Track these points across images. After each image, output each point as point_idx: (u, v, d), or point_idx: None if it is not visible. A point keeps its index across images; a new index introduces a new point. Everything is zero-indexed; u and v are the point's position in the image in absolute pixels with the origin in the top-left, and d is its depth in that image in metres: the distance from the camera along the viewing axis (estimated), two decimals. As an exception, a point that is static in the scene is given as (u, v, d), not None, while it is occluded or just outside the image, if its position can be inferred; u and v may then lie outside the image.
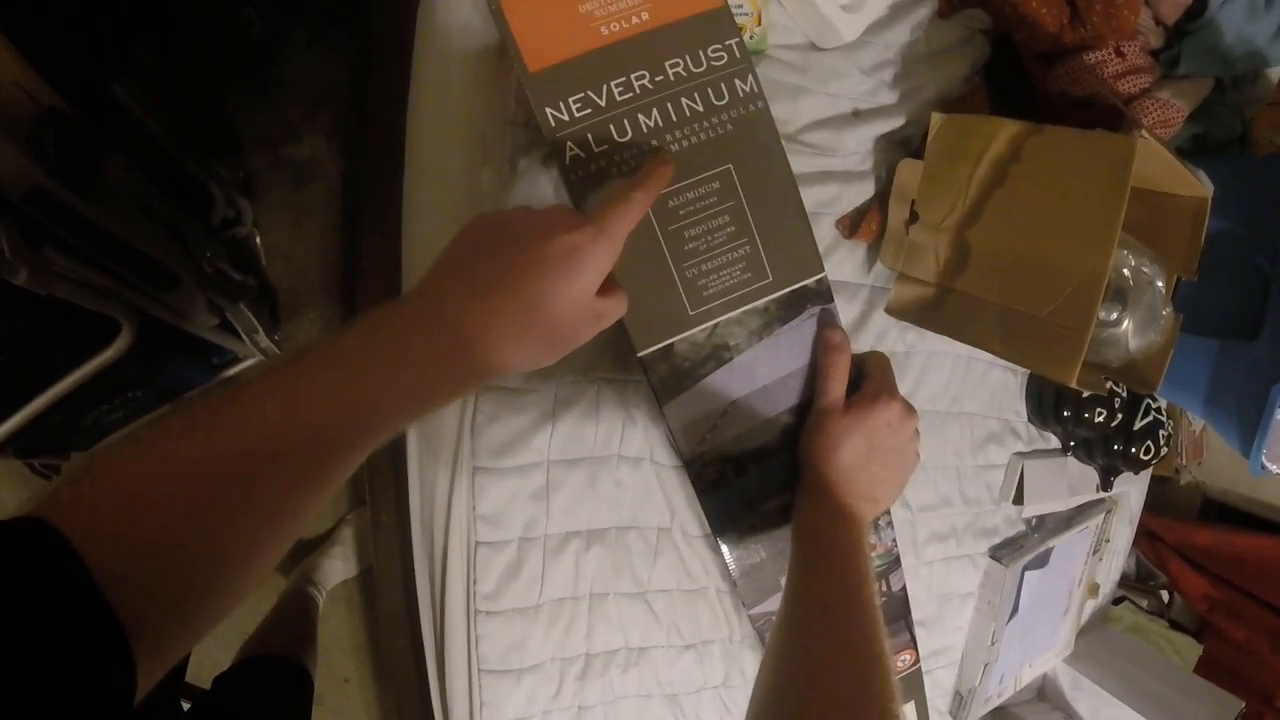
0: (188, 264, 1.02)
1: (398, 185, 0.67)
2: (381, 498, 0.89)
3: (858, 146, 0.72)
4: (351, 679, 1.42)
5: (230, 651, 1.01)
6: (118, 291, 0.93)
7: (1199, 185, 0.70)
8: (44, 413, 0.98)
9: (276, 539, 0.37)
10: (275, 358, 0.36)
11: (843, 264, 0.74)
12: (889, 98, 0.73)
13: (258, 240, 1.26)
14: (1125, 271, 0.70)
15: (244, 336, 1.16)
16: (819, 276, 0.57)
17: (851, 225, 0.73)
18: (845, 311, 0.76)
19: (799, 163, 0.68)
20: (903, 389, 0.79)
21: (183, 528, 0.32)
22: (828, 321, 0.58)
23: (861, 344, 0.77)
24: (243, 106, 1.24)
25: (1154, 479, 1.17)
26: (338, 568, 1.29)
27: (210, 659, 0.97)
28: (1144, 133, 0.58)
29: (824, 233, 0.72)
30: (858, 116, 0.72)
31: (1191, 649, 1.36)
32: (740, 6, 0.62)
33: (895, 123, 0.73)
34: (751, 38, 0.64)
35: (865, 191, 0.74)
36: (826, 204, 0.72)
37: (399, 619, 0.87)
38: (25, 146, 0.74)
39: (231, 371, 1.27)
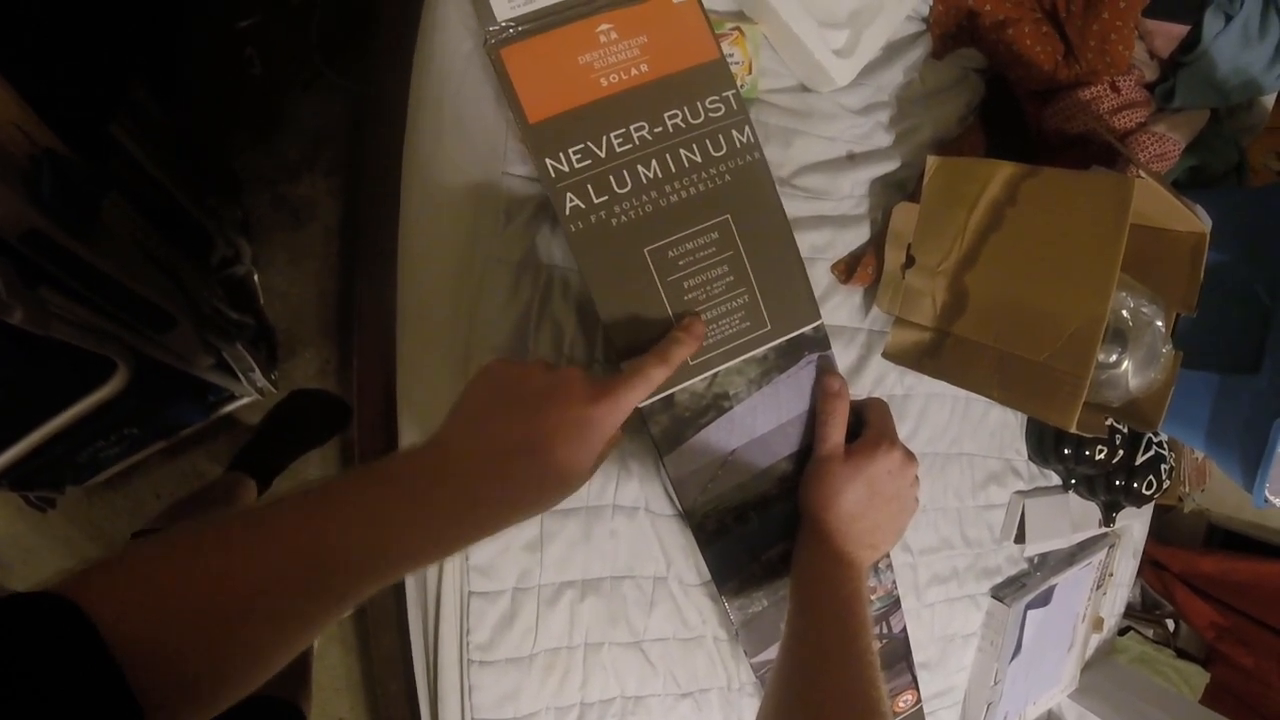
0: (185, 304, 1.02)
1: (394, 230, 0.67)
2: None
3: (852, 190, 0.72)
4: (346, 718, 1.39)
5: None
6: (114, 331, 0.93)
7: (1197, 221, 0.70)
8: (39, 448, 0.97)
9: (290, 647, 0.38)
10: (307, 487, 0.38)
11: (839, 309, 0.74)
12: (884, 140, 0.73)
13: (256, 280, 1.26)
14: (1124, 313, 0.69)
15: (240, 376, 1.16)
16: (816, 324, 0.57)
17: (847, 270, 0.73)
18: (843, 356, 0.75)
19: (793, 207, 0.68)
20: (902, 432, 0.79)
21: (207, 633, 0.35)
22: (826, 368, 0.58)
23: (860, 387, 0.77)
24: (242, 147, 1.24)
25: (1157, 508, 1.16)
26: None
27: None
28: (1140, 172, 0.58)
29: (819, 277, 0.72)
30: (852, 160, 0.72)
31: (1199, 677, 1.34)
32: (731, 55, 0.62)
33: (890, 165, 0.73)
34: (743, 85, 0.64)
35: (861, 235, 0.74)
36: (821, 249, 0.72)
37: (393, 662, 0.86)
38: (21, 187, 0.74)
39: (227, 409, 1.27)
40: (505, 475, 0.43)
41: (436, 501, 0.41)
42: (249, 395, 1.20)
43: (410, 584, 0.67)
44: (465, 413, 0.45)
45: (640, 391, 0.47)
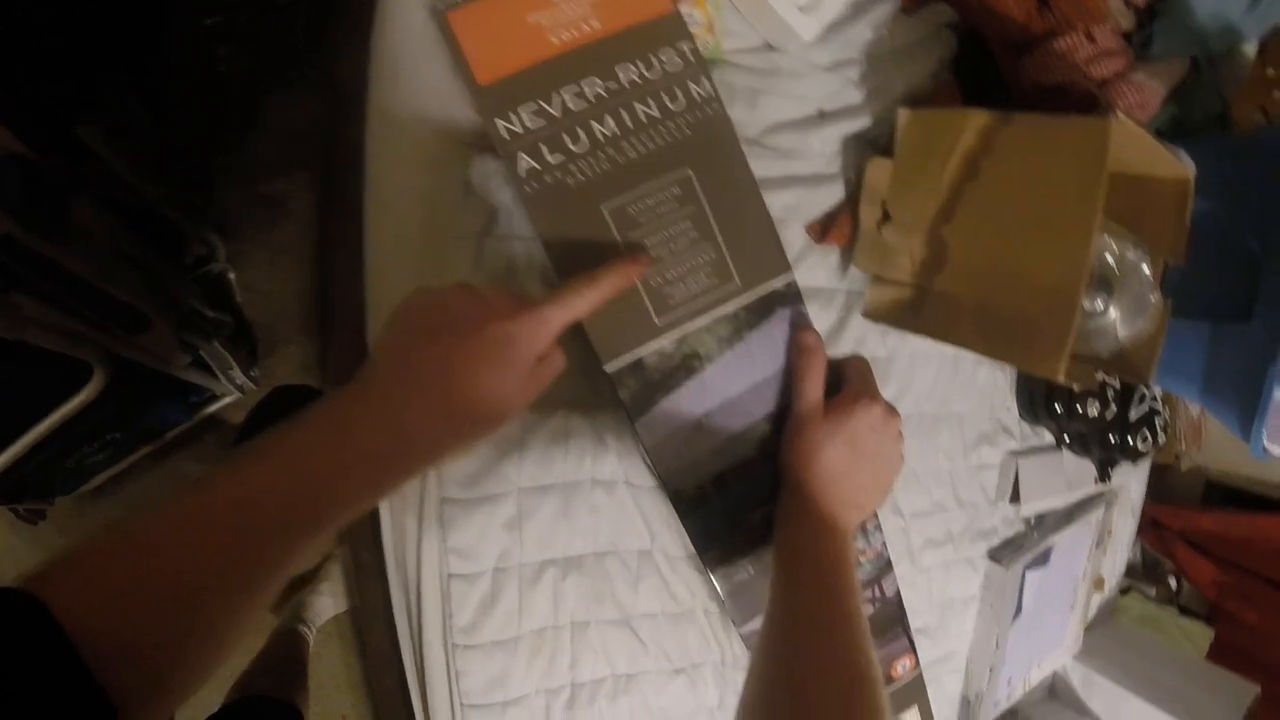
0: (159, 304, 1.00)
1: (361, 217, 0.65)
2: (360, 534, 0.86)
3: (824, 148, 0.70)
4: (349, 716, 1.38)
5: (221, 692, 0.98)
6: (88, 334, 0.92)
7: (1180, 165, 0.68)
8: (22, 458, 0.96)
9: (241, 615, 0.38)
10: (237, 451, 0.38)
11: (815, 270, 0.72)
12: (855, 97, 0.72)
13: (232, 277, 1.24)
14: (1108, 258, 0.68)
15: (220, 374, 1.14)
16: (787, 278, 0.55)
17: (822, 229, 0.71)
18: (822, 318, 0.73)
19: (763, 167, 0.66)
20: (887, 393, 0.77)
21: (155, 616, 0.34)
22: (800, 323, 0.56)
23: (840, 350, 0.75)
24: (214, 144, 1.23)
25: (1154, 467, 1.15)
26: (327, 604, 1.27)
27: (200, 700, 0.95)
28: (1119, 114, 0.57)
29: (794, 238, 0.70)
30: (823, 117, 0.70)
31: (1203, 634, 1.33)
32: (692, 16, 0.61)
33: (862, 122, 0.72)
34: (705, 46, 0.63)
35: (834, 194, 0.72)
36: (794, 209, 0.70)
37: (385, 656, 0.85)
38: (-12, 193, 0.73)
39: (211, 409, 1.25)
40: (430, 404, 0.41)
41: (361, 440, 0.40)
42: (231, 394, 1.19)
43: (392, 571, 0.66)
44: (386, 345, 0.44)
45: (567, 310, 0.45)
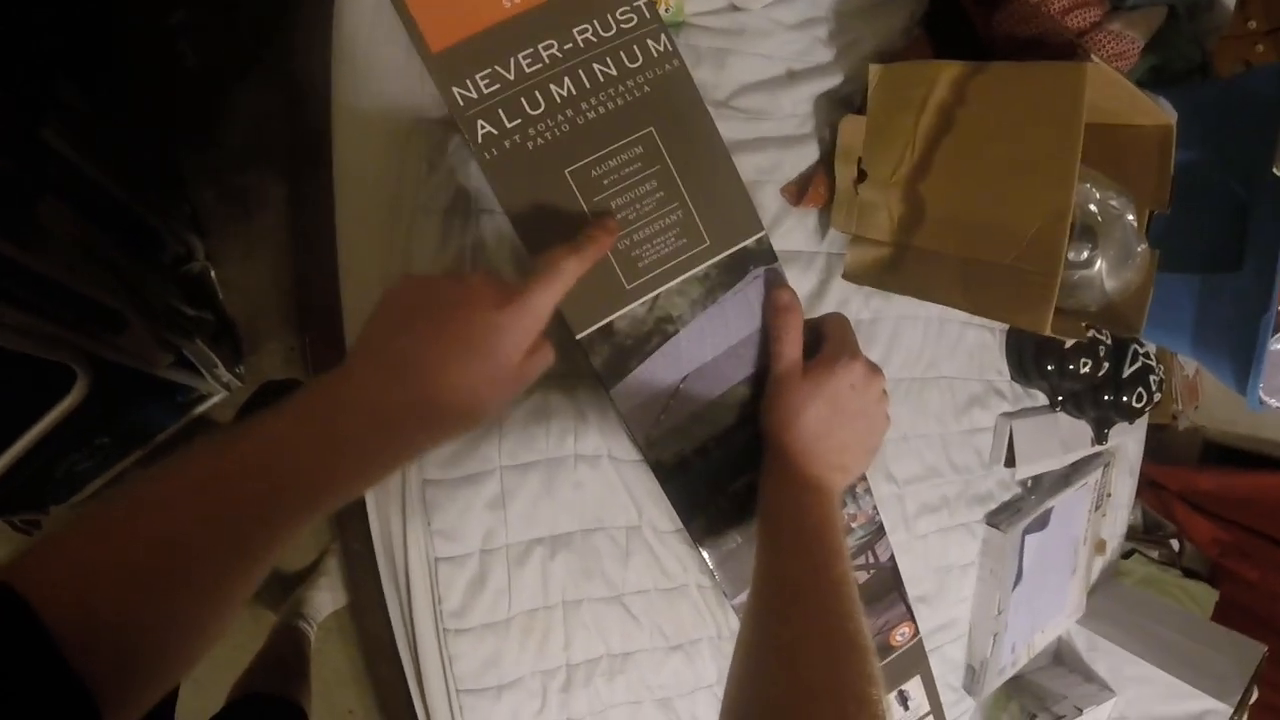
0: (136, 304, 0.99)
1: (331, 203, 0.64)
2: (350, 526, 0.86)
3: (795, 109, 0.69)
4: (355, 710, 1.38)
5: (223, 691, 0.98)
6: (65, 337, 0.91)
7: (1161, 113, 0.67)
8: (10, 469, 0.95)
9: (221, 605, 0.37)
10: (212, 436, 0.37)
11: (792, 233, 0.71)
12: (824, 55, 0.70)
13: (212, 275, 1.23)
14: (1091, 207, 0.66)
15: (205, 373, 1.13)
16: (759, 235, 0.54)
17: (798, 191, 0.70)
18: (801, 282, 0.72)
19: (732, 129, 0.65)
20: (874, 357, 0.75)
21: (131, 598, 0.33)
22: (774, 282, 0.55)
23: (823, 314, 0.74)
24: (184, 142, 1.21)
25: (1152, 427, 1.14)
26: (326, 599, 1.26)
27: (203, 699, 0.94)
28: (1094, 58, 0.55)
29: (768, 201, 0.69)
30: (792, 77, 0.69)
31: (1208, 595, 1.33)
32: (653, -23, 0.59)
33: (833, 81, 0.70)
34: (667, 10, 0.61)
35: (808, 155, 0.71)
36: (768, 171, 0.69)
37: (381, 645, 0.84)
38: (-51, 200, 0.72)
39: (199, 409, 1.24)
40: (413, 395, 0.40)
41: (342, 431, 0.39)
42: (218, 392, 1.18)
43: (380, 558, 0.65)
44: (369, 335, 0.42)
45: (553, 290, 0.44)
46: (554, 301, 0.44)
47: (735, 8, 0.66)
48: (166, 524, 0.35)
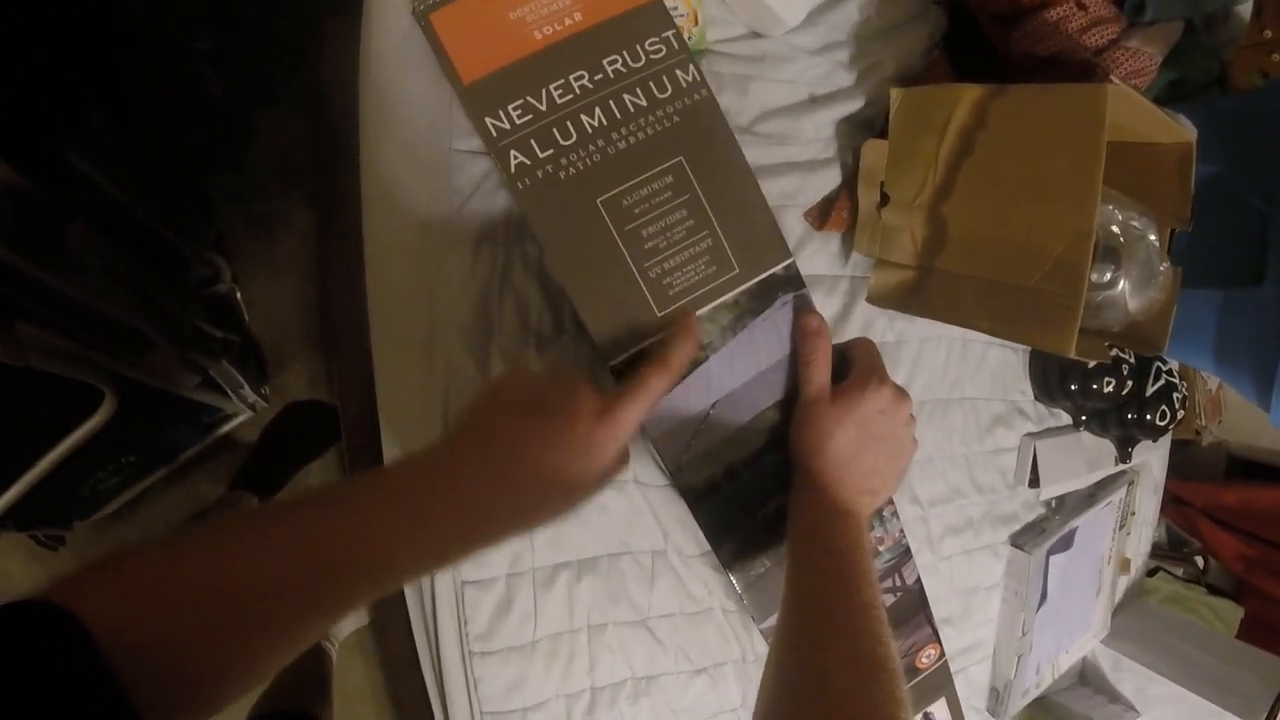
0: (162, 326, 1.01)
1: (359, 228, 0.65)
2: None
3: (817, 133, 0.70)
4: (374, 728, 1.38)
5: (243, 710, 0.98)
6: (93, 359, 0.92)
7: (1180, 129, 0.67)
8: (37, 485, 0.96)
9: (286, 651, 0.38)
10: (309, 493, 0.39)
11: (816, 257, 0.71)
12: (845, 79, 0.71)
13: (238, 296, 1.25)
14: (1114, 228, 0.66)
15: (230, 393, 1.15)
16: (787, 262, 0.55)
17: (821, 215, 0.70)
18: (827, 306, 0.73)
19: (756, 154, 0.65)
20: (898, 379, 0.75)
21: (203, 634, 0.34)
22: (802, 308, 0.55)
23: (847, 337, 0.74)
24: (210, 167, 1.24)
25: (1175, 443, 1.13)
26: (348, 618, 1.27)
27: (224, 717, 0.95)
28: (1113, 78, 0.56)
29: (792, 225, 0.69)
30: (814, 102, 0.69)
31: (1233, 612, 1.31)
32: (675, 7, 0.60)
33: (855, 105, 0.71)
34: (690, 37, 0.62)
35: (831, 180, 0.71)
36: (791, 195, 0.69)
37: (404, 664, 0.84)
38: (-20, 223, 0.73)
39: (225, 429, 1.26)
40: (509, 493, 0.42)
41: (439, 516, 0.41)
42: (242, 412, 1.19)
43: (406, 581, 0.66)
44: (471, 426, 0.44)
45: (644, 404, 0.46)
46: (642, 416, 0.46)
47: (756, 34, 0.67)
48: (256, 577, 0.36)
